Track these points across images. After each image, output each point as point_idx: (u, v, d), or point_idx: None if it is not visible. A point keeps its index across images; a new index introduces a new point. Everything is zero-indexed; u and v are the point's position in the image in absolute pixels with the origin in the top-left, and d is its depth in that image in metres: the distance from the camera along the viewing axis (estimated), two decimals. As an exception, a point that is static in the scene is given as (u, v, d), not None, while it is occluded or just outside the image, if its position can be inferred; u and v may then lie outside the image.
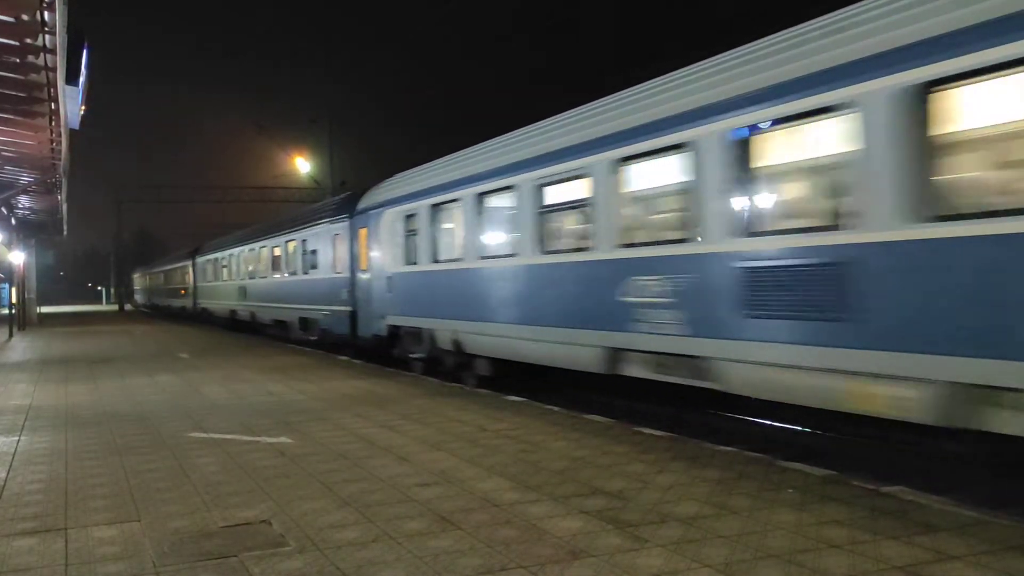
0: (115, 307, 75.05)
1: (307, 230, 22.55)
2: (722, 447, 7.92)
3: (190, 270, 43.27)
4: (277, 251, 25.95)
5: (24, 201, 26.60)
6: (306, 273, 22.43)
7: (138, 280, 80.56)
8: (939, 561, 4.64)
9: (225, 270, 34.28)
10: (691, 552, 4.86)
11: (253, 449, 8.20)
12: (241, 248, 31.21)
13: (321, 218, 21.46)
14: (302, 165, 44.97)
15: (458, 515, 5.71)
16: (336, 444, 8.36)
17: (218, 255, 35.87)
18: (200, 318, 40.22)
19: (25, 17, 9.56)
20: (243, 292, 30.52)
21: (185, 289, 44.86)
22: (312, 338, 22.31)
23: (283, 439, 8.70)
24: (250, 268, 29.70)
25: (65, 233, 40.02)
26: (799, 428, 9.74)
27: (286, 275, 24.70)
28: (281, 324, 25.56)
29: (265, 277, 27.47)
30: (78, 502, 6.29)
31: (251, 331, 30.08)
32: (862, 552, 4.81)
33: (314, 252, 21.76)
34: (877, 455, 8.49)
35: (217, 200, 65.02)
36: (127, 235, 79.60)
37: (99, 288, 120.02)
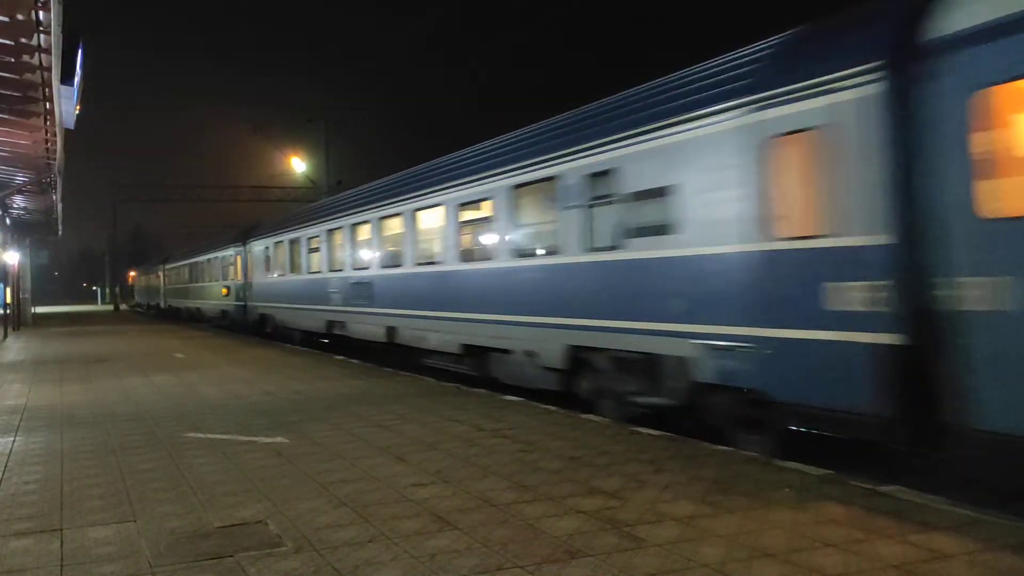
0: (111, 307, 74.86)
1: (618, 149, 9.79)
2: (719, 446, 7.92)
3: (236, 261, 30.91)
4: (471, 213, 13.64)
5: (19, 201, 26.54)
6: (616, 247, 9.83)
7: (143, 278, 70.64)
8: (935, 560, 4.65)
9: (314, 256, 21.51)
10: (687, 551, 4.87)
11: (249, 449, 8.19)
12: (358, 216, 18.33)
13: (701, 104, 8.62)
14: (298, 165, 44.91)
15: (455, 515, 5.71)
16: (333, 444, 8.35)
17: (296, 234, 23.15)
18: (251, 329, 28.71)
19: (20, 16, 9.55)
20: (361, 291, 18.05)
21: (228, 288, 32.78)
22: (638, 401, 9.57)
23: (279, 439, 8.69)
24: (381, 250, 17.19)
25: (60, 233, 39.98)
26: (795, 427, 9.71)
27: (502, 259, 12.37)
28: (478, 354, 13.17)
29: (430, 263, 14.85)
30: (74, 503, 6.28)
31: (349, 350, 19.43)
32: (858, 551, 4.82)
33: (659, 196, 9.07)
34: (875, 454, 8.49)
35: (214, 200, 64.95)
36: (122, 235, 79.37)
37: (94, 288, 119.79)
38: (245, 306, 29.37)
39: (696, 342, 8.54)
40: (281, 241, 24.78)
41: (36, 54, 10.84)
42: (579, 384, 10.81)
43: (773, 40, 8.35)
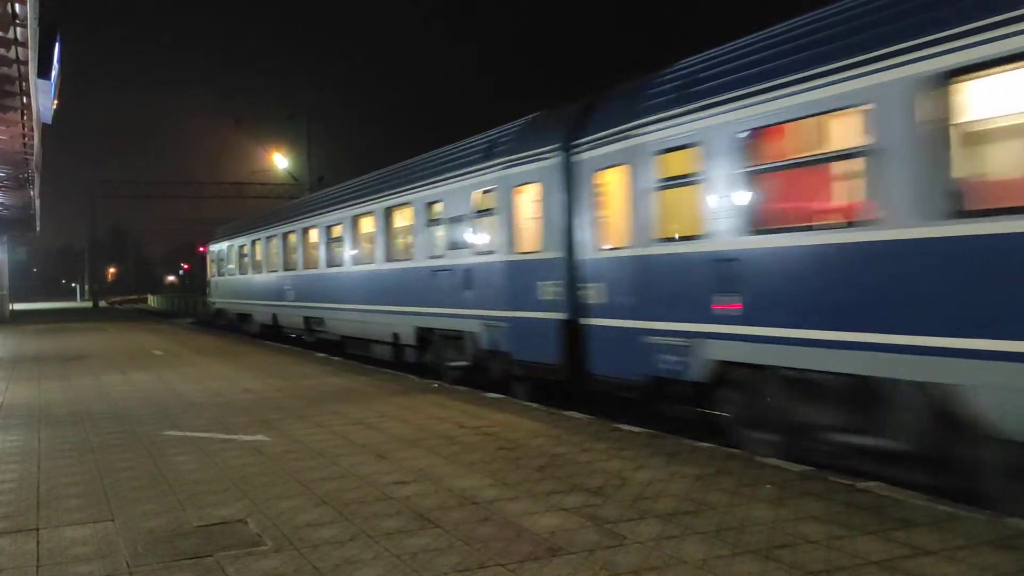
0: (89, 304, 74.15)
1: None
2: (701, 443, 7.94)
3: None
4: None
5: (-4, 196, 26.24)
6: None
7: (245, 249, 28.29)
8: (914, 556, 4.67)
9: None
10: (669, 548, 4.87)
11: (229, 447, 8.12)
12: None
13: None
14: (280, 161, 44.60)
15: (436, 513, 5.69)
16: (313, 442, 8.30)
17: None
18: None
19: (-4, 9, 9.42)
20: None
21: None
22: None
23: (260, 437, 8.63)
24: None
25: (38, 229, 39.57)
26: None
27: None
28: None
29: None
30: (51, 501, 6.20)
31: None
32: (839, 547, 4.84)
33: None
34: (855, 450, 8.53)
35: (194, 196, 64.45)
36: (101, 231, 78.55)
37: (73, 285, 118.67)
38: None
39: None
40: None
41: (12, 47, 10.71)
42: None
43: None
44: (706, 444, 7.90)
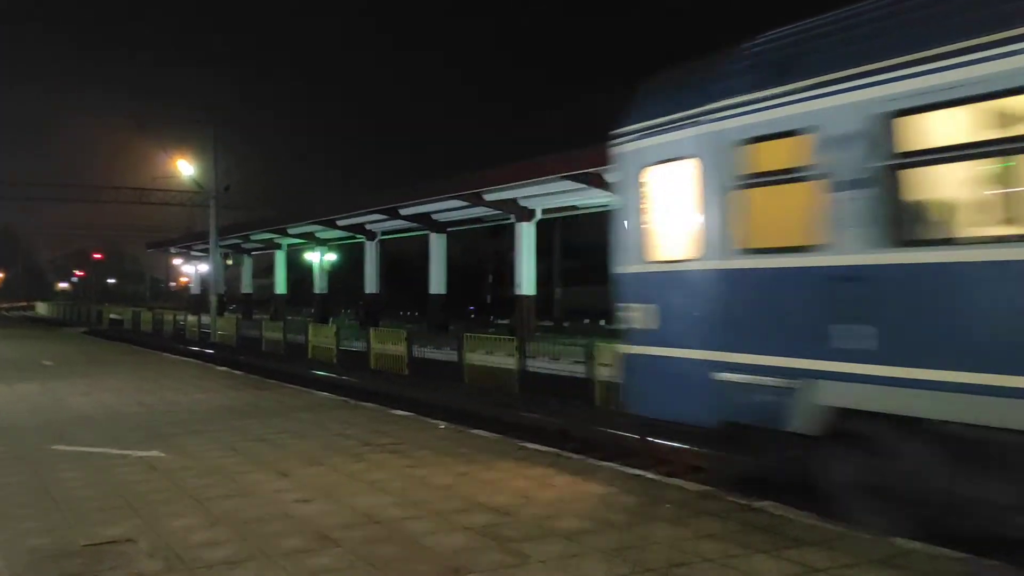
0: None
1: None
2: (604, 463, 8.04)
3: None
4: None
5: None
6: None
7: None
8: (808, 574, 4.83)
9: None
10: (572, 567, 4.90)
11: (122, 463, 7.80)
12: None
13: None
14: (184, 167, 43.23)
15: (338, 532, 5.58)
16: (212, 458, 8.04)
17: None
18: None
19: None
20: None
21: None
22: None
23: (155, 452, 8.31)
24: None
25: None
26: (678, 445, 10.01)
27: None
28: None
29: None
30: (-79, 520, 5.83)
31: None
32: (735, 566, 4.96)
33: None
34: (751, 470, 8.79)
35: (92, 199, 61.95)
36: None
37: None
38: None
39: None
40: None
41: None
42: None
43: None
44: (610, 463, 8.01)
